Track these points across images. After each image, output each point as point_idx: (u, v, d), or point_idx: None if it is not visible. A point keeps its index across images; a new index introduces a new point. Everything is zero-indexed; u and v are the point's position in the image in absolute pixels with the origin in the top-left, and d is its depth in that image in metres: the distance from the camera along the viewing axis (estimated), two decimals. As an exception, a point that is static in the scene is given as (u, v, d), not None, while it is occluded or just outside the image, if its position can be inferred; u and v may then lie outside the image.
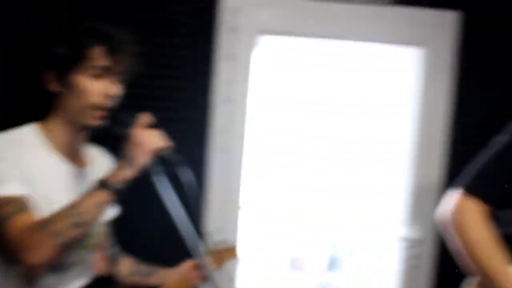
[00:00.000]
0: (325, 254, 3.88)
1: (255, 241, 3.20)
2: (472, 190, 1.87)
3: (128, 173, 1.75)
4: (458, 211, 1.87)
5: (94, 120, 1.85)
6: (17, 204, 1.73)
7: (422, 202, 2.78)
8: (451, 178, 1.98)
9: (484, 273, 1.82)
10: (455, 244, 1.88)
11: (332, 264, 3.98)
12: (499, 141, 1.88)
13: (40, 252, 1.67)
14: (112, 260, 2.19)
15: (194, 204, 1.79)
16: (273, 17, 2.58)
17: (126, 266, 2.21)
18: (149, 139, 1.76)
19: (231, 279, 2.63)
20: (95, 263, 2.08)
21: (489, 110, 2.67)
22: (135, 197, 1.94)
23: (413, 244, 2.83)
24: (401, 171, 2.85)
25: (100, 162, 2.03)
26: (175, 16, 2.52)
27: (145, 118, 1.80)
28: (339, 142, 2.97)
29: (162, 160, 1.79)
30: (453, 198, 1.90)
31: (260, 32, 2.59)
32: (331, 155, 2.96)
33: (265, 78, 2.77)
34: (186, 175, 1.76)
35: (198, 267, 2.09)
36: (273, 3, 2.58)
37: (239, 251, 2.22)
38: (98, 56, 1.83)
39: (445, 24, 2.68)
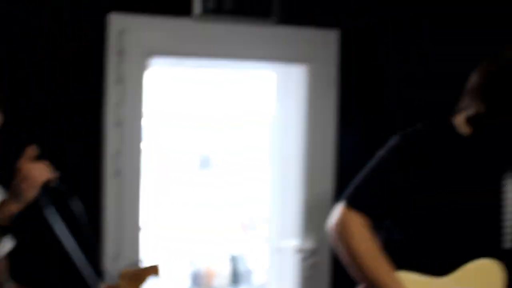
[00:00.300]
0: (228, 268, 3.92)
1: (158, 259, 3.19)
2: (352, 203, 1.93)
3: (14, 208, 1.70)
4: (341, 223, 1.92)
5: None
6: None
7: (316, 213, 2.88)
8: (341, 190, 2.07)
9: (372, 281, 1.88)
10: (342, 255, 1.94)
11: (237, 277, 4.03)
12: (378, 155, 1.97)
13: None
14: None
15: (86, 234, 1.77)
16: (160, 38, 2.59)
17: None
18: (35, 172, 1.72)
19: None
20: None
21: (371, 124, 2.83)
22: (30, 229, 1.89)
23: (308, 255, 2.93)
24: (294, 184, 2.94)
25: None
26: (63, 40, 2.48)
27: (31, 150, 1.76)
28: (233, 155, 3.03)
29: (50, 192, 1.76)
30: (337, 211, 1.95)
31: (148, 54, 2.59)
32: (226, 169, 3.01)
33: (158, 98, 2.77)
34: (75, 204, 1.74)
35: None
36: (160, 25, 2.59)
37: (158, 269, 2.19)
38: None
39: (326, 41, 2.82)
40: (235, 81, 2.95)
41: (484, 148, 1.92)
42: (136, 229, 2.66)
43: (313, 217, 2.89)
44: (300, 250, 2.93)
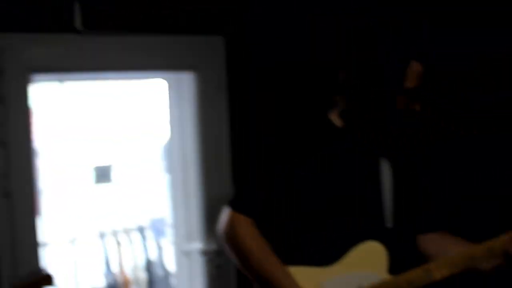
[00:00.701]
0: (144, 274, 3.93)
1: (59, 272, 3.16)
2: (236, 206, 1.99)
3: None
4: (228, 226, 1.97)
5: None
6: None
7: (217, 215, 2.89)
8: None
9: (265, 279, 1.93)
10: (234, 257, 1.98)
11: (153, 283, 4.04)
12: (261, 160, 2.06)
13: None
14: None
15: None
16: (42, 54, 2.57)
17: None
18: None
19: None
20: None
21: (262, 127, 2.90)
22: None
23: (213, 256, 2.98)
24: (193, 188, 2.98)
25: None
26: None
27: None
28: (131, 165, 3.04)
29: None
30: (224, 215, 2.01)
31: (30, 70, 2.57)
32: (125, 180, 3.02)
33: (50, 114, 2.75)
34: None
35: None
36: (41, 41, 2.57)
37: (52, 279, 2.16)
38: None
39: (213, 48, 2.87)
40: (129, 94, 2.96)
41: (358, 138, 2.01)
42: (33, 246, 2.64)
43: (214, 219, 2.92)
44: (205, 252, 2.98)
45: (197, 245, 2.99)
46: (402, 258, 1.98)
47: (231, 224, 1.97)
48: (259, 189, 1.99)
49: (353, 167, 1.99)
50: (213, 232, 2.94)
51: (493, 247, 1.89)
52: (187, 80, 2.92)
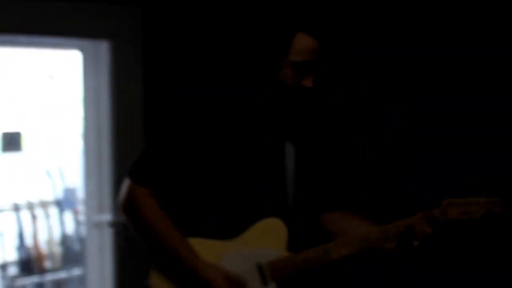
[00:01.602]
0: (59, 248, 3.86)
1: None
2: (134, 178, 1.94)
3: None
4: (128, 198, 1.94)
5: None
6: None
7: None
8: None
9: (166, 251, 1.92)
10: (135, 229, 1.96)
11: (69, 257, 3.96)
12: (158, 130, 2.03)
13: None
14: None
15: None
16: None
17: None
18: None
19: None
20: None
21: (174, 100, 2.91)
22: None
23: (122, 228, 2.97)
24: (105, 159, 2.97)
25: None
26: None
27: None
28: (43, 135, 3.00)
29: None
30: (124, 187, 1.97)
31: None
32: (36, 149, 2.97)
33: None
34: None
35: None
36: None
37: None
38: None
39: (129, 18, 2.86)
40: (43, 62, 2.91)
41: (263, 117, 2.02)
42: None
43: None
44: (114, 224, 2.96)
45: (107, 216, 2.98)
46: (302, 237, 2.01)
47: (131, 196, 1.94)
48: (160, 161, 1.95)
49: (256, 146, 1.99)
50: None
51: (388, 231, 1.92)
52: (102, 49, 2.90)
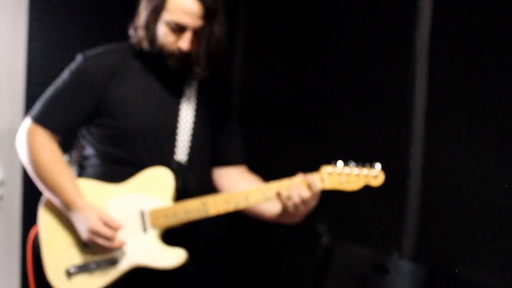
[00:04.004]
0: None
1: None
2: (37, 119, 1.98)
3: None
4: (26, 137, 1.98)
5: None
6: None
7: (3, 143, 2.79)
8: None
9: (55, 193, 1.95)
10: (29, 168, 1.99)
11: None
12: (62, 74, 2.01)
13: None
14: None
15: None
16: None
17: None
18: None
19: None
20: None
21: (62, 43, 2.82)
22: None
23: (-2, 185, 2.84)
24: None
25: None
26: None
27: None
28: None
29: None
30: (24, 127, 2.00)
31: None
32: None
33: None
34: None
35: None
36: None
37: None
38: None
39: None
40: None
41: (163, 76, 2.02)
42: None
43: (1, 148, 2.80)
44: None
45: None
46: (191, 189, 2.02)
47: (29, 135, 1.98)
48: (62, 107, 1.98)
49: (156, 100, 2.01)
50: (1, 161, 2.81)
51: (267, 190, 1.92)
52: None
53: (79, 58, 2.01)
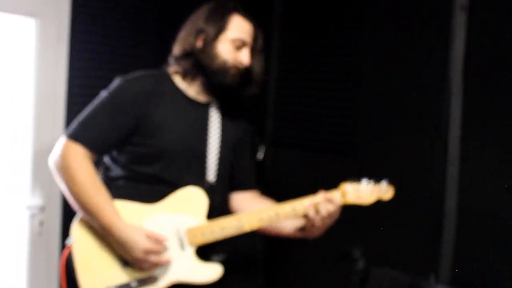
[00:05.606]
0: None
1: None
2: (74, 136, 2.02)
3: None
4: (62, 155, 2.01)
5: None
6: None
7: (44, 169, 2.83)
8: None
9: (91, 209, 1.98)
10: (64, 187, 2.00)
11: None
12: (101, 95, 2.08)
13: None
14: None
15: None
16: None
17: None
18: None
19: None
20: None
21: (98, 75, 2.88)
22: None
23: (37, 212, 2.89)
24: (22, 139, 2.87)
25: None
26: None
27: None
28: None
29: None
30: (59, 145, 2.04)
31: None
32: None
33: None
34: None
35: None
36: None
37: None
38: None
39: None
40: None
41: (191, 102, 2.13)
42: None
43: (41, 174, 2.86)
44: (29, 207, 2.88)
45: (23, 199, 2.89)
46: (216, 208, 2.10)
47: (65, 154, 2.00)
48: (100, 125, 2.03)
49: (189, 126, 2.09)
50: (39, 187, 2.87)
51: (295, 208, 2.04)
52: (26, 26, 2.80)
53: (118, 80, 2.09)
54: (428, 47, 2.55)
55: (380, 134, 2.73)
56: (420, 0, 2.60)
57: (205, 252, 2.07)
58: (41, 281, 2.93)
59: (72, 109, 2.88)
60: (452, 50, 2.43)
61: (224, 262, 2.09)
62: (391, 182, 2.08)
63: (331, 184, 2.10)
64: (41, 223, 2.90)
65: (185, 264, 2.02)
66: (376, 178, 2.07)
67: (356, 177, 2.07)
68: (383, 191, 2.07)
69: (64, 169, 1.99)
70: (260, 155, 3.24)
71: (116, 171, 2.09)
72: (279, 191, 3.24)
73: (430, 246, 2.47)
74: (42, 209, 2.89)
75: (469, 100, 2.42)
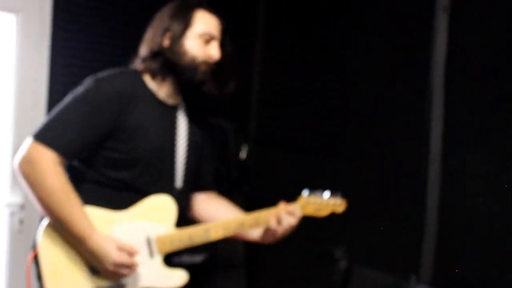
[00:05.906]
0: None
1: None
2: (42, 139, 1.88)
3: None
4: (29, 159, 1.87)
5: None
6: None
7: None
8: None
9: (60, 216, 1.87)
10: (31, 191, 1.88)
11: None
12: (72, 95, 1.96)
13: None
14: None
15: None
16: None
17: None
18: None
19: None
20: None
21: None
22: None
23: (17, 209, 2.86)
24: (0, 136, 2.84)
25: None
26: None
27: None
28: None
29: None
30: (25, 147, 1.89)
31: None
32: None
33: None
34: None
35: None
36: None
37: None
38: None
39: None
40: None
41: (162, 104, 2.07)
42: None
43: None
44: (9, 205, 2.85)
45: (2, 196, 2.86)
46: (181, 214, 2.09)
47: (33, 158, 1.86)
48: (69, 128, 1.90)
49: (161, 129, 2.04)
50: (19, 184, 2.83)
51: (259, 220, 2.09)
52: (7, 21, 2.78)
53: (91, 80, 1.97)
54: (410, 48, 2.56)
55: (364, 134, 2.74)
56: (402, 1, 2.61)
57: (186, 253, 2.08)
58: (20, 279, 2.90)
59: (54, 106, 2.83)
60: (434, 51, 2.45)
61: (205, 263, 2.09)
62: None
63: (315, 183, 2.13)
64: (21, 221, 2.88)
65: (153, 271, 2.01)
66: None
67: (342, 176, 2.08)
68: (338, 204, 2.16)
69: (34, 175, 1.86)
70: (243, 154, 3.23)
71: (84, 173, 1.99)
72: (263, 191, 3.25)
73: (411, 247, 2.49)
74: (22, 207, 2.87)
75: (450, 100, 2.43)
